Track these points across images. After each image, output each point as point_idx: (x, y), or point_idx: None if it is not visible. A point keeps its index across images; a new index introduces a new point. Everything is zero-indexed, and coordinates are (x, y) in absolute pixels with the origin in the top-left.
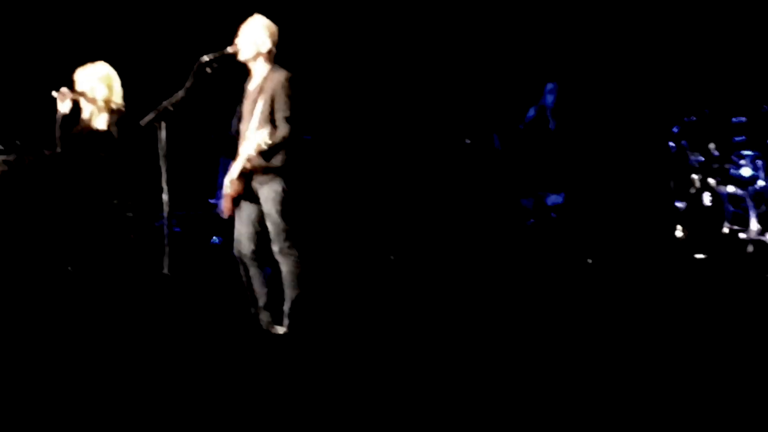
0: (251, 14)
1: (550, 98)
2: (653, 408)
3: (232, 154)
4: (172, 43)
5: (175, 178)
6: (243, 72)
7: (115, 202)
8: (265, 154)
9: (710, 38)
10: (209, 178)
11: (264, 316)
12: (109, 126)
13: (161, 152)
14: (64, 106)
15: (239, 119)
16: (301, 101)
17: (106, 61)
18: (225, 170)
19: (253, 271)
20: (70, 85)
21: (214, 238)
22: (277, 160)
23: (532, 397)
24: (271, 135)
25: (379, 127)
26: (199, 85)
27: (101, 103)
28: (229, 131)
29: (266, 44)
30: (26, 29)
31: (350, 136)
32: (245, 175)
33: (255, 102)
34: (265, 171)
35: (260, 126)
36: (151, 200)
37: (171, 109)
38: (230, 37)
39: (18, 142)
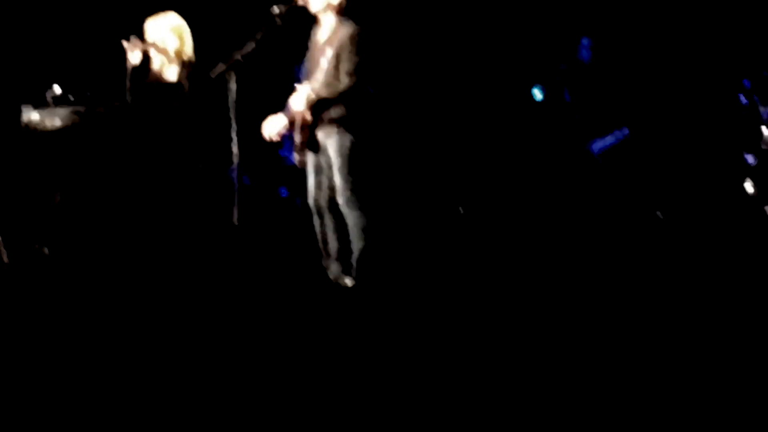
0: None
1: (585, 54)
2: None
3: None
4: None
5: (245, 130)
6: (313, 24)
7: (186, 154)
8: (320, 106)
9: None
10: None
11: (334, 267)
12: (179, 78)
13: (231, 104)
14: (134, 57)
15: (307, 69)
16: (368, 56)
17: (176, 11)
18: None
19: (327, 221)
20: (140, 35)
21: (283, 190)
22: (336, 112)
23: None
24: (326, 88)
25: (446, 81)
26: (270, 36)
27: (172, 54)
28: (297, 80)
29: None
30: None
31: (418, 89)
32: (309, 126)
33: (323, 53)
34: (329, 122)
35: (326, 78)
36: (221, 152)
37: (241, 60)
38: None
39: (88, 93)
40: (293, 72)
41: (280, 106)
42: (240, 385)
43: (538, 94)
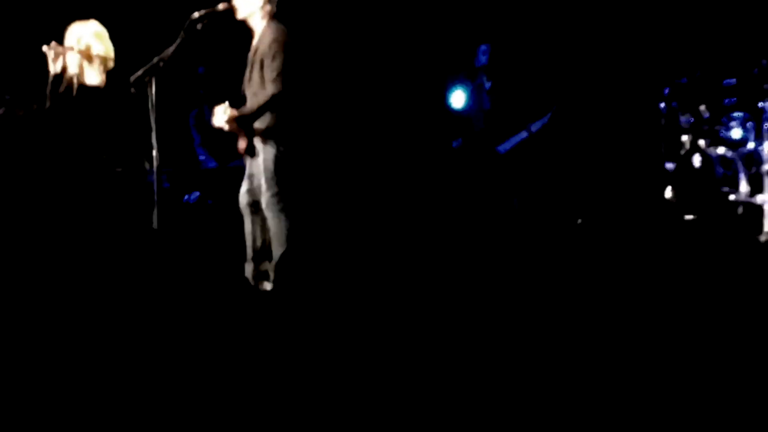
0: None
1: (483, 58)
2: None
3: None
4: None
5: (164, 134)
6: (236, 29)
7: (104, 157)
8: (247, 118)
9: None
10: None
11: (249, 269)
12: (100, 83)
13: (151, 108)
14: (56, 64)
15: (245, 78)
16: (295, 60)
17: (97, 17)
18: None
19: (248, 224)
20: (60, 40)
21: (188, 196)
22: (263, 122)
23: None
24: (252, 99)
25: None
26: (190, 42)
27: (93, 60)
28: (240, 90)
29: (269, 5)
30: None
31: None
32: (248, 133)
33: (253, 62)
34: (259, 132)
35: (253, 88)
36: (140, 156)
37: (161, 65)
38: None
39: (7, 97)
40: (215, 77)
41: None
42: (151, 389)
43: (458, 99)
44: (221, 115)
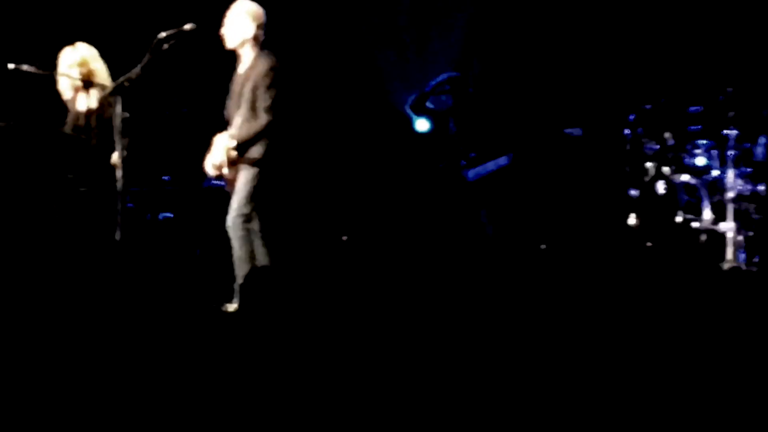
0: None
1: (446, 100)
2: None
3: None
4: (129, 18)
5: (129, 154)
6: (205, 50)
7: (69, 176)
8: (242, 145)
9: (668, 26)
10: (164, 155)
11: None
12: (95, 104)
13: (116, 128)
14: (66, 91)
15: (230, 104)
16: (286, 89)
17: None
18: None
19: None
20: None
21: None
22: (256, 152)
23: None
24: (246, 127)
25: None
26: (156, 62)
27: (92, 83)
28: (223, 112)
29: (251, 30)
30: None
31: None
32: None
33: (242, 88)
34: (248, 161)
35: (245, 113)
36: (105, 176)
37: (126, 84)
38: (189, 13)
39: None
40: (181, 97)
41: (166, 131)
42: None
43: (423, 125)
44: (221, 146)
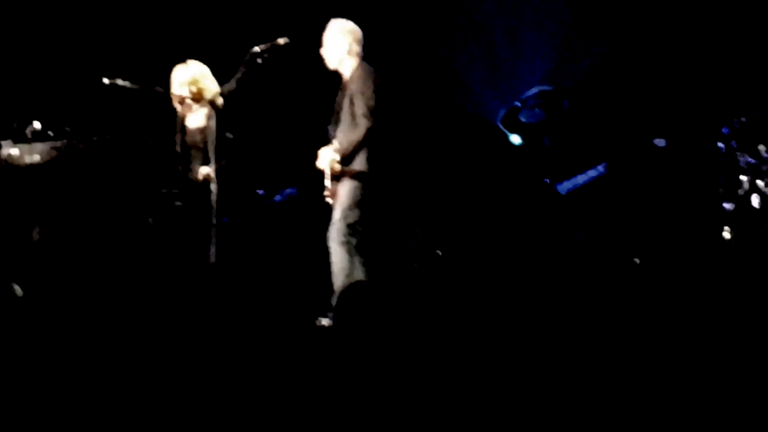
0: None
1: (538, 113)
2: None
3: None
4: (223, 33)
5: (225, 168)
6: (300, 65)
7: (163, 191)
8: (347, 158)
9: (762, 39)
10: (260, 169)
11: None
12: (204, 121)
13: (210, 142)
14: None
15: (334, 118)
16: (385, 97)
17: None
18: None
19: None
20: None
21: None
22: (358, 164)
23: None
24: (347, 138)
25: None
26: (250, 76)
27: (199, 100)
28: (328, 128)
29: (348, 47)
30: (71, 18)
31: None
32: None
33: (342, 103)
34: (349, 172)
35: (346, 125)
36: (200, 190)
37: (221, 99)
38: (281, 26)
39: (68, 129)
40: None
41: (262, 145)
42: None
43: (516, 139)
44: (326, 158)
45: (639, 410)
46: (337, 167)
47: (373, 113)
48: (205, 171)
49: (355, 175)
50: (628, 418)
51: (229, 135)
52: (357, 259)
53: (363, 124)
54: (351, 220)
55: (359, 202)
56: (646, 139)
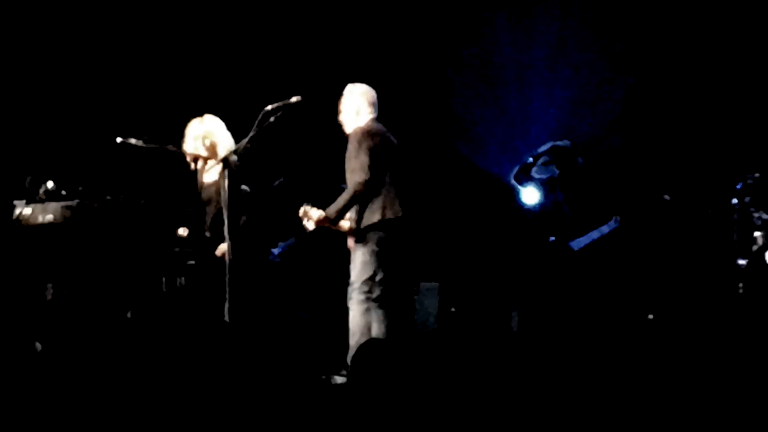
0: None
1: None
2: None
3: None
4: (235, 91)
5: (237, 227)
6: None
7: (176, 249)
8: (336, 217)
9: None
10: (273, 227)
11: None
12: (219, 176)
13: (224, 201)
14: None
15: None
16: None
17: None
18: None
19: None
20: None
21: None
22: (367, 223)
23: None
24: (344, 196)
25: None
26: (263, 134)
27: (211, 156)
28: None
29: (356, 108)
30: (85, 77)
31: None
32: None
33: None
34: (360, 231)
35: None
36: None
37: (235, 157)
38: (292, 86)
39: (81, 188)
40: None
41: (275, 202)
42: None
43: (527, 194)
44: (311, 220)
45: None
46: (315, 214)
47: (369, 166)
48: (223, 249)
49: (365, 235)
50: None
51: (245, 188)
52: (375, 315)
53: (356, 177)
54: (364, 282)
55: (370, 266)
56: (658, 194)
